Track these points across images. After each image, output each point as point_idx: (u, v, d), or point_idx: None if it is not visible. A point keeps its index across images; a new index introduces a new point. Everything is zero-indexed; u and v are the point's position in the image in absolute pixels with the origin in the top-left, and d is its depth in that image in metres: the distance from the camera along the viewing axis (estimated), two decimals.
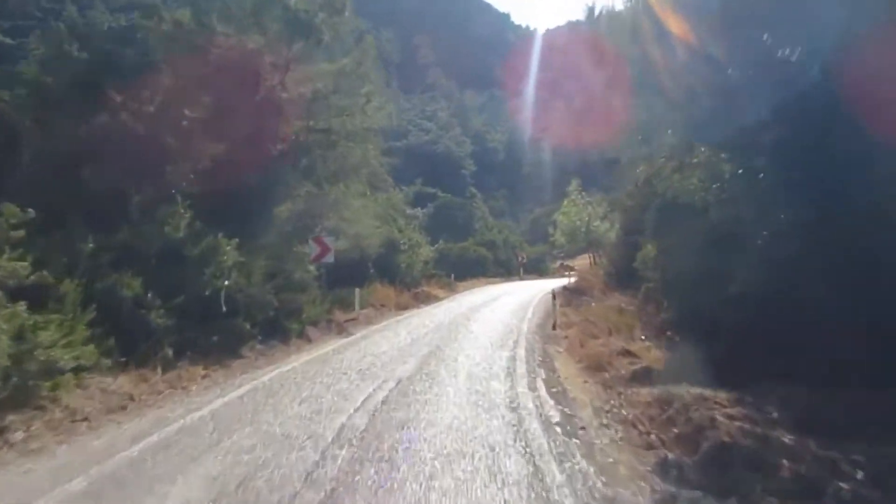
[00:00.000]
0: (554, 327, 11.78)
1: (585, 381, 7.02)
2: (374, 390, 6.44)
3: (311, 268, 12.58)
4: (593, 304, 14.48)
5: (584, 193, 26.26)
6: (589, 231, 24.49)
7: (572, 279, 25.02)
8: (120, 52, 10.67)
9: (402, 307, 17.21)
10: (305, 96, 12.91)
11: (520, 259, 39.13)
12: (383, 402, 5.91)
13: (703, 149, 7.13)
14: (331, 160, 14.17)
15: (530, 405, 5.86)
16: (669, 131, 7.43)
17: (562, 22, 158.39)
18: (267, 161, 12.12)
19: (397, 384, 6.74)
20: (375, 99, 14.96)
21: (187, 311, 8.11)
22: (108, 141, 9.11)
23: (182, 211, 8.72)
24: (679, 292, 8.18)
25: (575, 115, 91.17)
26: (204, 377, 7.36)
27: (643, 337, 8.83)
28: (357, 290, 13.81)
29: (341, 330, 11.95)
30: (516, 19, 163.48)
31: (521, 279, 35.74)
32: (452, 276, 27.30)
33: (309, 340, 10.46)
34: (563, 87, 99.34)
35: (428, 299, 20.32)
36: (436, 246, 36.82)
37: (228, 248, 8.98)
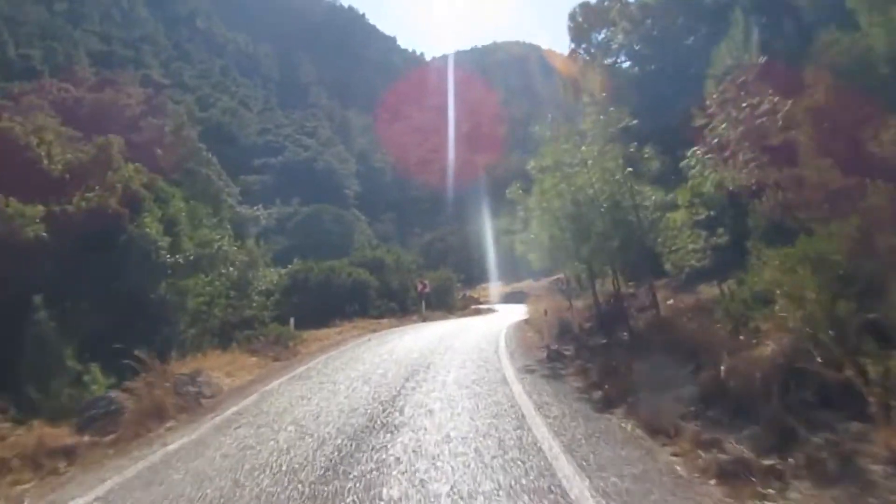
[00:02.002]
0: None
1: None
2: None
3: None
4: None
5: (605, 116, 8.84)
6: (637, 209, 8.34)
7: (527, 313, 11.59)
8: None
9: None
10: None
11: (420, 287, 24.85)
12: None
13: None
14: None
15: None
16: None
17: (449, 49, 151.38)
18: None
19: None
20: None
21: None
22: None
23: None
24: None
25: (463, 139, 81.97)
26: None
27: None
28: None
29: None
30: (403, 43, 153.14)
31: (425, 320, 21.59)
32: (292, 321, 12.28)
33: None
34: (451, 112, 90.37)
35: (152, 436, 5.51)
36: (287, 268, 21.61)
37: None
